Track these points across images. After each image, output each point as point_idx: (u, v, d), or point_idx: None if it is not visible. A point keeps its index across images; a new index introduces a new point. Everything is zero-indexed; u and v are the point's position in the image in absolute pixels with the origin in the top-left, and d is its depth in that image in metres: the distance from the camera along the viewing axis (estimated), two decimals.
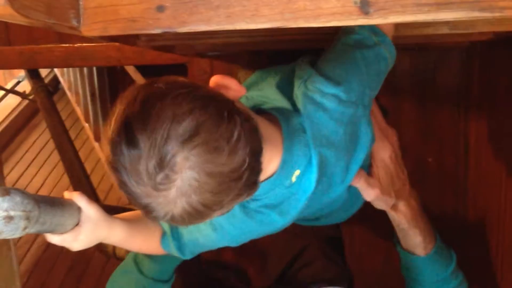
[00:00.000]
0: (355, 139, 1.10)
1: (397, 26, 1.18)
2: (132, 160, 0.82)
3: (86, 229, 1.01)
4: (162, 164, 0.81)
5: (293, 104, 1.08)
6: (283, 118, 1.04)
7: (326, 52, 1.10)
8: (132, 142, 0.82)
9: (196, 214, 0.86)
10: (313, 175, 1.05)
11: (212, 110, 0.85)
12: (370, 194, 1.27)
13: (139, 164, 0.82)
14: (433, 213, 2.38)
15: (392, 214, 1.36)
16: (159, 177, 0.82)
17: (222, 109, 0.86)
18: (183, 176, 0.82)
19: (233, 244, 1.17)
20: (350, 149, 1.10)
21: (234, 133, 0.85)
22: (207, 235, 1.14)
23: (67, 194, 1.02)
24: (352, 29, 1.07)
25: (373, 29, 1.07)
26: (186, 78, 0.93)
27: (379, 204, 1.32)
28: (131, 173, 0.83)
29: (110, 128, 0.86)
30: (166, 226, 1.16)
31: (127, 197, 0.87)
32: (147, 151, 0.81)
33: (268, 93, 1.17)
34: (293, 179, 1.05)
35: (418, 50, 2.12)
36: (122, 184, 0.85)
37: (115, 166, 0.84)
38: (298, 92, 1.07)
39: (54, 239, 0.99)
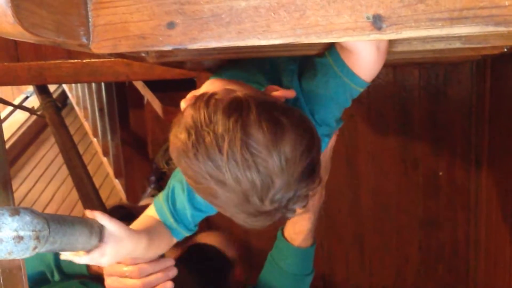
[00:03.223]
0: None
1: (409, 40, 1.17)
2: (258, 186, 0.91)
3: (110, 245, 1.03)
4: (288, 196, 0.93)
5: None
6: None
7: (315, 82, 1.15)
8: (259, 168, 0.90)
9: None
10: None
11: (316, 135, 0.99)
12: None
13: (266, 193, 0.91)
14: (443, 226, 2.38)
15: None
16: (280, 203, 0.94)
17: (315, 131, 1.00)
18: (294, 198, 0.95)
19: None
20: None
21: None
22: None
23: (89, 213, 1.03)
24: (345, 81, 1.12)
25: (364, 85, 1.13)
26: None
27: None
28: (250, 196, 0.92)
29: (232, 148, 0.90)
30: (169, 221, 1.21)
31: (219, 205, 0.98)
32: (279, 186, 0.91)
33: None
34: None
35: (428, 64, 2.11)
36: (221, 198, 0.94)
37: (226, 182, 0.91)
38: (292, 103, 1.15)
39: (82, 259, 1.02)
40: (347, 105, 1.16)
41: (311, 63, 1.16)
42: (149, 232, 1.16)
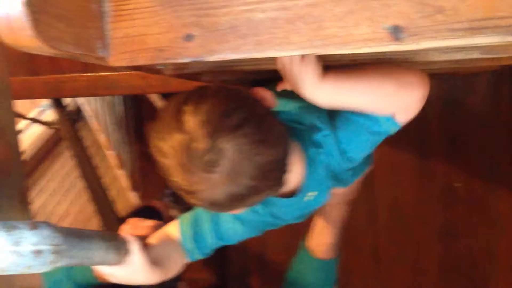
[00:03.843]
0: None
1: (427, 51, 1.17)
2: (183, 145, 0.90)
3: (123, 271, 1.06)
4: (211, 149, 0.89)
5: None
6: (303, 143, 1.14)
7: (349, 121, 1.15)
8: (183, 129, 0.90)
9: (235, 199, 0.94)
10: (323, 199, 1.24)
11: (258, 109, 0.98)
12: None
13: (189, 149, 0.90)
14: (462, 238, 2.35)
15: (341, 206, 1.53)
16: (207, 160, 0.90)
17: (266, 109, 1.00)
18: (228, 161, 0.90)
19: (256, 233, 1.28)
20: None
21: (276, 130, 0.98)
22: (235, 229, 1.24)
23: (127, 236, 1.07)
24: (378, 121, 1.12)
25: (396, 125, 1.14)
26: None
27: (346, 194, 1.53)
28: (180, 157, 0.92)
29: (164, 120, 0.95)
30: (189, 245, 1.24)
31: (172, 184, 0.97)
32: (199, 138, 0.89)
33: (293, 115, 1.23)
34: (310, 197, 1.19)
35: (446, 75, 2.10)
36: (167, 169, 0.96)
37: (164, 151, 0.95)
38: (320, 138, 1.16)
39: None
40: (379, 141, 1.18)
41: None
42: (164, 263, 1.17)
